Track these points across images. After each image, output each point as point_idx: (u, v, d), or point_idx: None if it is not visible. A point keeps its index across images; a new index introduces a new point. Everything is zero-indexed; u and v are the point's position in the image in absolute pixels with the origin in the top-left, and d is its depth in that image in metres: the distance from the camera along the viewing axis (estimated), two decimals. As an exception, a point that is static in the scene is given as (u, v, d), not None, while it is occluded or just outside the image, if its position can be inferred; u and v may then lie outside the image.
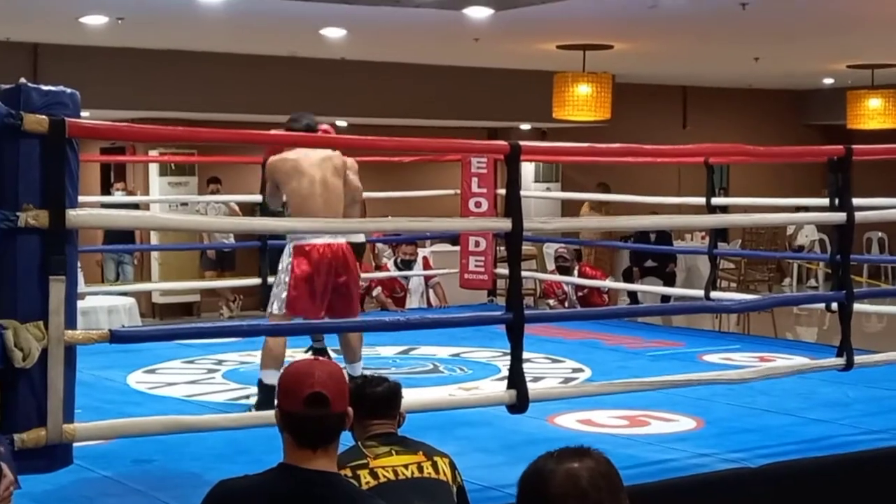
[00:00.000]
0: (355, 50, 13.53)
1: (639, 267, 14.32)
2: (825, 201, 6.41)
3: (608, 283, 11.62)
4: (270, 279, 7.73)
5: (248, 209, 13.53)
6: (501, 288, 10.23)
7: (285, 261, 5.99)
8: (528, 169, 16.28)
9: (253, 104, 13.98)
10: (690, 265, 15.40)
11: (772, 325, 11.69)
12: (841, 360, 5.93)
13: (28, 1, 10.35)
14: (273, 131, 6.90)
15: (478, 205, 10.10)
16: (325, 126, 6.50)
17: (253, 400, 6.04)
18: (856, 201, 6.04)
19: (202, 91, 13.81)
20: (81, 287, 7.62)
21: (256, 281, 9.44)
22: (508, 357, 5.00)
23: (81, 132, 4.14)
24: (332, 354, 7.04)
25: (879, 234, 19.31)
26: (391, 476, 3.56)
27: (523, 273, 5.28)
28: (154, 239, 14.31)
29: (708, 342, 8.78)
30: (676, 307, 10.41)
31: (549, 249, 13.44)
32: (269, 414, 3.06)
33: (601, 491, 2.26)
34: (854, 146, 6.10)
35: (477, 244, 10.31)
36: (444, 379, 7.18)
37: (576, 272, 11.13)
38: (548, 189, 16.49)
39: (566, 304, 11.05)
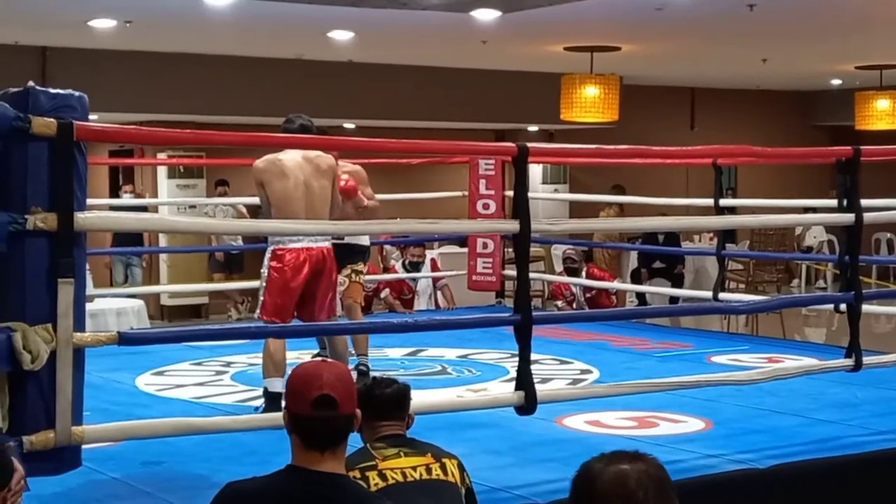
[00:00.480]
0: (363, 52, 13.54)
1: (647, 268, 14.31)
2: (833, 202, 6.39)
3: (616, 285, 11.61)
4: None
5: (255, 211, 13.55)
6: (509, 289, 10.22)
7: (265, 265, 5.96)
8: (535, 171, 16.28)
9: (260, 107, 13.99)
10: (699, 266, 15.38)
11: (780, 326, 11.68)
12: (850, 361, 5.93)
13: (37, 4, 10.37)
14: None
15: (486, 206, 10.10)
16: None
17: (260, 405, 6.05)
18: (864, 202, 6.04)
19: (210, 94, 13.83)
20: (90, 289, 7.66)
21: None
22: (516, 358, 5.00)
23: (89, 135, 4.15)
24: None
25: (888, 234, 19.27)
26: (400, 478, 3.56)
27: (531, 274, 5.27)
28: (162, 241, 14.32)
29: (716, 343, 8.77)
30: (685, 308, 10.39)
31: (557, 251, 13.44)
32: (277, 416, 3.06)
33: (648, 493, 2.26)
34: (862, 147, 6.09)
35: (485, 246, 10.31)
36: (453, 380, 7.18)
37: (584, 274, 11.13)
38: (556, 191, 16.48)
39: (574, 306, 11.05)
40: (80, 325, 4.04)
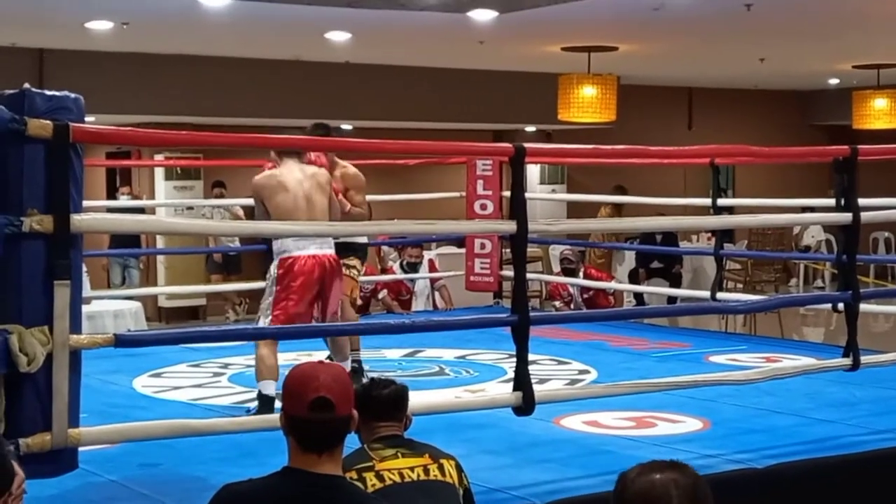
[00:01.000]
0: (360, 53, 13.53)
1: (645, 268, 14.31)
2: (831, 202, 6.40)
3: (614, 285, 11.61)
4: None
5: (251, 213, 13.54)
6: (507, 290, 10.22)
7: (272, 274, 6.03)
8: (533, 171, 16.28)
9: (258, 108, 14.00)
10: (696, 266, 15.38)
11: (778, 325, 11.68)
12: (847, 361, 5.93)
13: (34, 6, 10.36)
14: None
15: (483, 207, 10.09)
16: (312, 156, 6.48)
17: (253, 407, 6.05)
18: (862, 201, 6.04)
19: (207, 95, 13.82)
20: (87, 291, 7.66)
21: (262, 284, 9.44)
22: (514, 359, 4.99)
23: (86, 137, 4.14)
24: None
25: (886, 234, 19.28)
26: (397, 479, 3.56)
27: (529, 275, 5.27)
28: (160, 243, 14.32)
29: (714, 343, 8.77)
30: (682, 308, 10.38)
31: (555, 251, 13.43)
32: (274, 418, 3.06)
33: (674, 501, 2.31)
34: (860, 146, 6.09)
35: (482, 246, 10.31)
36: (450, 381, 7.17)
37: (581, 274, 11.12)
38: (553, 191, 16.48)
39: (572, 306, 11.04)
40: (76, 327, 4.04)
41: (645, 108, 17.03)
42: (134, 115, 13.35)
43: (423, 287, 11.57)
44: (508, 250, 8.88)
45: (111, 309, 9.82)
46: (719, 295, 8.70)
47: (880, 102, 15.20)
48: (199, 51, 13.34)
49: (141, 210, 12.58)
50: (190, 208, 13.99)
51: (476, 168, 10.11)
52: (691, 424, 5.84)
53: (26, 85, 4.01)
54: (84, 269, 4.71)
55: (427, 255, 11.99)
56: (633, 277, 14.41)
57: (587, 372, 7.41)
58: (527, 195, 5.08)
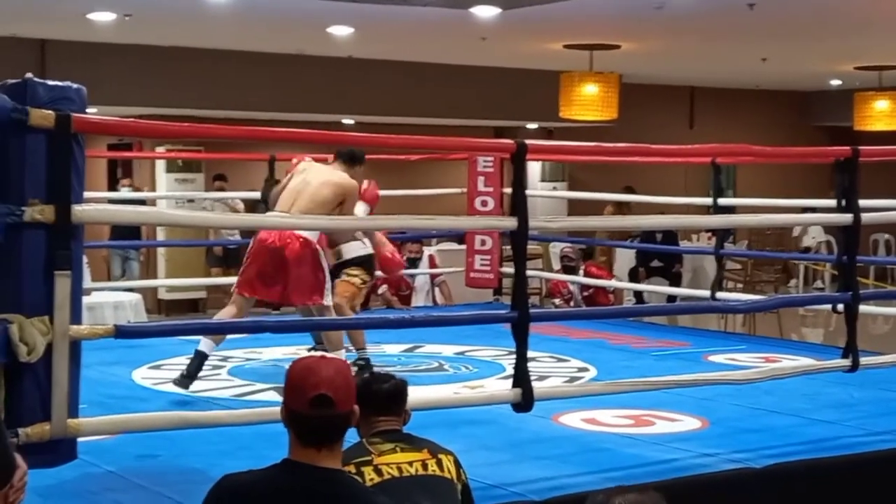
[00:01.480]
0: (362, 48, 13.53)
1: (645, 267, 14.31)
2: (832, 202, 6.39)
3: (614, 283, 11.61)
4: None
5: (252, 206, 13.53)
6: (507, 287, 10.22)
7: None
8: (534, 168, 16.29)
9: (260, 102, 13.99)
10: (697, 265, 15.38)
11: (777, 325, 11.68)
12: (847, 362, 5.92)
13: (36, -3, 10.38)
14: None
15: (484, 203, 10.09)
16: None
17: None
18: (862, 202, 6.04)
19: (209, 88, 13.82)
20: (87, 282, 7.66)
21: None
22: (514, 356, 4.99)
23: (87, 127, 4.14)
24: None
25: (886, 235, 19.29)
26: (395, 473, 3.56)
27: (529, 272, 5.27)
28: (160, 235, 14.32)
29: (713, 342, 8.76)
30: (682, 307, 10.39)
31: (555, 249, 13.44)
32: (275, 410, 3.05)
33: None
34: (861, 147, 6.09)
35: (483, 243, 10.31)
36: (450, 377, 7.17)
37: (581, 272, 11.12)
38: (554, 188, 16.49)
39: (572, 304, 11.04)
40: (76, 317, 4.03)
41: (646, 106, 17.03)
42: (135, 108, 13.35)
43: (422, 283, 11.58)
44: (509, 247, 8.89)
45: (111, 300, 9.82)
46: (719, 294, 8.70)
47: (882, 104, 15.21)
48: (202, 44, 13.34)
49: (142, 202, 12.57)
50: (191, 201, 13.98)
51: (477, 164, 10.11)
52: (690, 423, 5.83)
53: (29, 75, 4.01)
54: (84, 260, 4.70)
55: (427, 250, 11.99)
56: (633, 276, 14.41)
57: (586, 369, 7.41)
58: (528, 192, 5.08)
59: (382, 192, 11.91)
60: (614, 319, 9.19)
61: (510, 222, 4.99)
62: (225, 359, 7.65)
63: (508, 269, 9.27)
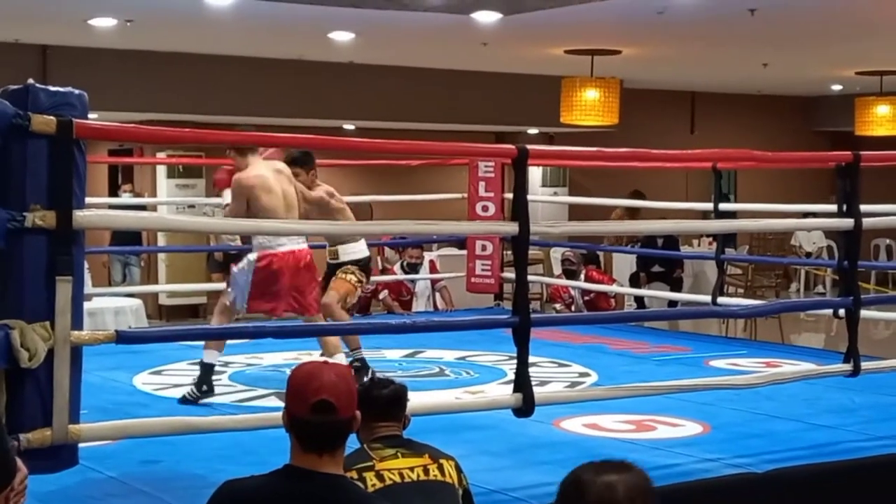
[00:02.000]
0: (363, 53, 13.53)
1: (646, 272, 14.30)
2: (832, 207, 6.39)
3: (615, 288, 11.60)
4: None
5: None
6: (508, 292, 10.22)
7: (249, 262, 6.42)
8: (535, 173, 16.27)
9: (260, 107, 13.99)
10: (698, 270, 15.37)
11: (779, 330, 11.67)
12: (848, 367, 5.92)
13: (37, 3, 10.37)
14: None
15: (485, 209, 10.10)
16: (268, 151, 6.73)
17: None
18: (863, 208, 6.04)
19: (210, 94, 13.82)
20: (88, 288, 7.65)
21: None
22: (514, 361, 4.99)
23: (89, 133, 4.14)
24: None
25: (887, 240, 19.27)
26: (397, 479, 3.56)
27: (530, 277, 5.27)
28: (161, 241, 14.31)
29: (714, 347, 8.77)
30: (683, 312, 10.39)
31: (556, 254, 13.42)
32: (276, 416, 3.05)
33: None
34: (862, 152, 6.09)
35: (484, 248, 10.31)
36: (451, 382, 7.18)
37: (582, 276, 11.12)
38: (555, 193, 16.48)
39: (573, 309, 11.04)
40: (77, 323, 4.03)
41: (647, 111, 17.02)
42: (136, 113, 13.35)
43: (423, 288, 11.58)
44: (509, 252, 8.89)
45: (112, 306, 9.82)
46: (720, 299, 8.71)
47: (883, 109, 15.20)
48: (203, 49, 13.34)
49: (143, 207, 12.58)
50: (191, 206, 13.99)
51: (478, 170, 10.12)
52: (691, 428, 5.84)
53: (30, 80, 4.01)
54: (85, 265, 4.70)
55: (428, 255, 11.99)
56: (634, 281, 14.40)
57: (587, 374, 7.41)
58: (529, 197, 5.08)
59: (384, 198, 11.97)
60: (615, 324, 9.20)
61: (511, 227, 4.99)
62: (226, 364, 7.65)
63: (509, 274, 9.28)
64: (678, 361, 8.00)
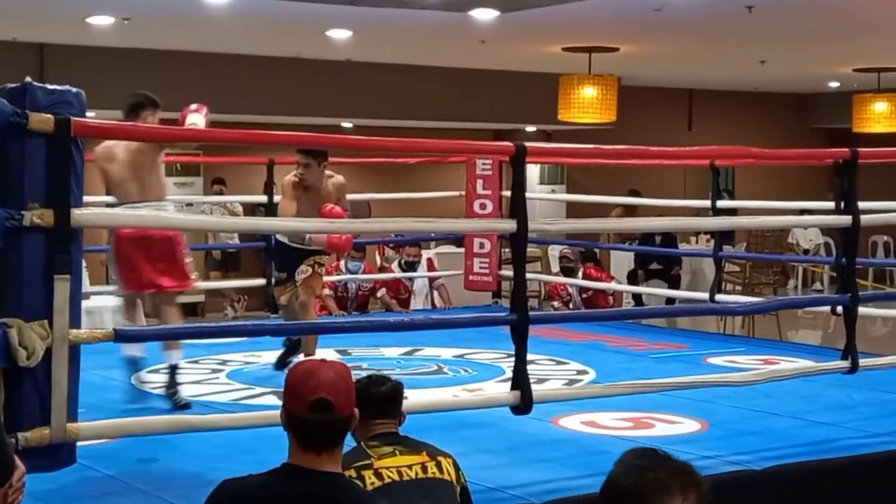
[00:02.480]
0: (361, 51, 13.53)
1: (643, 269, 14.30)
2: (830, 204, 6.40)
3: (613, 286, 11.61)
4: (275, 279, 7.81)
5: (252, 210, 13.54)
6: (506, 290, 10.23)
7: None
8: (533, 171, 16.28)
9: (258, 105, 13.99)
10: (695, 268, 15.37)
11: (776, 327, 11.68)
12: (846, 363, 5.92)
13: (35, 2, 10.36)
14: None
15: (483, 206, 10.10)
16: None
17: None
18: (861, 205, 6.04)
19: (208, 92, 13.75)
20: (86, 286, 7.66)
21: (261, 281, 9.48)
22: (512, 358, 4.99)
23: (87, 131, 4.14)
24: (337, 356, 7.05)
25: (885, 237, 19.28)
26: (396, 476, 3.56)
27: (528, 275, 5.27)
28: (159, 239, 14.28)
29: (712, 344, 8.77)
30: (681, 309, 10.37)
31: (554, 251, 13.43)
32: (274, 414, 3.05)
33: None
34: (860, 149, 6.09)
35: (481, 246, 10.31)
36: (449, 380, 7.17)
37: (580, 274, 11.12)
38: (553, 191, 16.49)
39: (571, 306, 11.04)
40: (76, 321, 4.03)
41: (645, 109, 17.03)
42: (134, 111, 13.33)
43: (421, 286, 11.57)
44: (507, 250, 8.89)
45: (110, 305, 9.80)
46: (718, 297, 8.71)
47: (881, 106, 15.21)
48: (201, 47, 13.34)
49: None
50: (189, 205, 13.98)
51: (476, 167, 10.12)
52: (689, 425, 5.84)
53: (28, 79, 4.01)
54: (83, 264, 4.71)
55: (426, 253, 11.99)
56: (632, 279, 14.40)
57: (585, 372, 7.41)
58: (527, 195, 5.08)
59: (381, 196, 11.96)
60: (613, 322, 9.20)
61: (510, 225, 4.99)
62: (224, 362, 7.66)
63: (507, 271, 9.28)
64: (676, 359, 8.00)
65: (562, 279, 11.19)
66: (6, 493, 2.46)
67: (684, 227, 13.43)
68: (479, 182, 10.14)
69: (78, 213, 4.00)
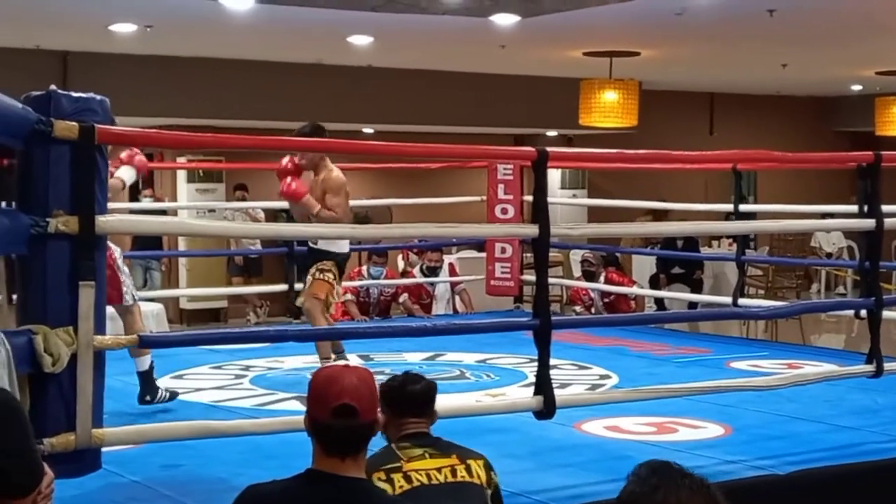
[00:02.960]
0: (382, 57, 13.56)
1: (666, 274, 14.28)
2: (853, 208, 6.37)
3: (635, 290, 11.59)
4: (297, 285, 7.81)
5: (274, 216, 13.58)
6: (528, 294, 10.22)
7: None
8: (554, 176, 16.27)
9: (280, 111, 14.02)
10: (718, 272, 15.35)
11: (800, 332, 11.64)
12: (870, 367, 5.90)
13: (58, 9, 10.42)
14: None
15: (504, 211, 10.09)
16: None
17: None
18: (885, 208, 6.02)
19: (230, 98, 13.86)
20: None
21: (283, 287, 9.50)
22: (535, 363, 4.99)
23: (111, 138, 4.16)
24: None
25: (908, 241, 19.19)
26: (424, 480, 3.56)
27: (550, 279, 5.27)
28: (182, 245, 14.36)
29: (735, 349, 8.74)
30: (704, 314, 10.38)
31: (576, 256, 13.42)
32: (298, 419, 3.06)
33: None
34: (883, 153, 6.07)
35: (503, 251, 10.30)
36: (471, 385, 7.17)
37: (602, 278, 11.11)
38: (574, 196, 16.47)
39: (593, 311, 11.03)
40: (100, 327, 4.05)
41: (666, 113, 17.00)
42: (156, 118, 13.40)
43: (443, 291, 11.58)
44: (528, 255, 8.88)
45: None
46: (740, 301, 8.68)
47: (903, 109, 15.16)
48: (222, 54, 13.39)
49: (163, 212, 12.62)
50: (212, 211, 14.04)
51: (497, 172, 10.11)
52: (713, 430, 5.82)
53: (52, 87, 4.03)
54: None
55: (447, 258, 12.00)
56: (654, 283, 14.39)
57: (608, 377, 7.40)
58: (548, 200, 5.08)
59: (403, 201, 11.97)
60: (636, 326, 9.18)
61: (532, 230, 4.99)
62: (247, 368, 7.68)
63: (528, 276, 9.27)
64: (699, 363, 7.98)
65: (584, 284, 11.18)
66: (35, 499, 2.47)
67: (706, 231, 13.40)
68: (501, 187, 10.13)
69: (102, 220, 4.02)
